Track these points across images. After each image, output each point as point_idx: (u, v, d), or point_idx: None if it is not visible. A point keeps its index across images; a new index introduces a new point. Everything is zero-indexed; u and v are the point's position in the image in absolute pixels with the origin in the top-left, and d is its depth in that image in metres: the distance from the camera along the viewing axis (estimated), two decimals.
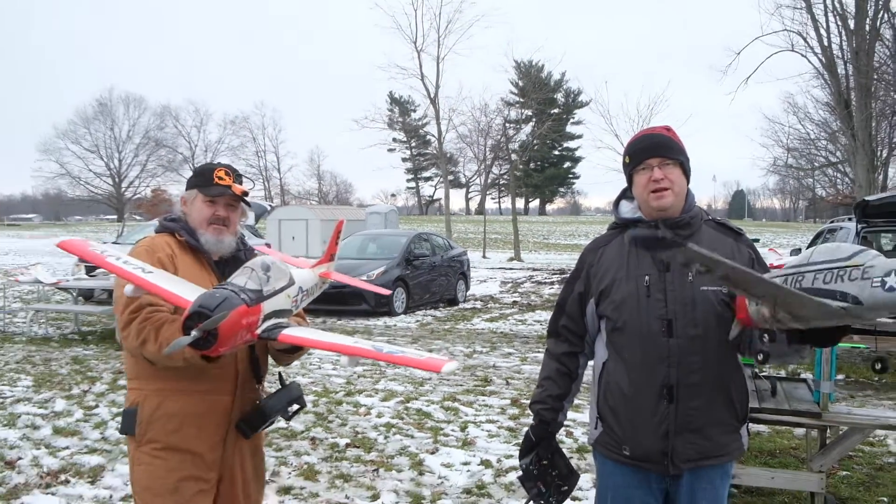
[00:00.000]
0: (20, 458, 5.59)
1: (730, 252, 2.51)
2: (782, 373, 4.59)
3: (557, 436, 2.72)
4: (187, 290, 2.36)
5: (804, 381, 4.98)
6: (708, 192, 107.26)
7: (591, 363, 2.72)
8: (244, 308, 2.20)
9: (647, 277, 2.47)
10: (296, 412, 2.82)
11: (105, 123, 71.61)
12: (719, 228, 2.61)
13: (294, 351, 2.65)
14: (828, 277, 2.03)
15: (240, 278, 2.29)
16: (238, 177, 2.73)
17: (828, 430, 4.75)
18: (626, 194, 2.67)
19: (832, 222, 14.06)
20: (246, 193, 2.72)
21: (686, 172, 2.52)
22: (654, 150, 2.49)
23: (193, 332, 2.09)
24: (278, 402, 2.71)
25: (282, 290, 2.42)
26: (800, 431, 5.96)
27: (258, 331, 2.31)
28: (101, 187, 73.00)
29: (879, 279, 1.91)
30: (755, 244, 2.70)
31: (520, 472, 2.71)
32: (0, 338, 11.24)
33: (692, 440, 2.44)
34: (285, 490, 5.06)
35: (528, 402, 2.82)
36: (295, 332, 2.37)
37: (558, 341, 2.70)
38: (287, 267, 2.54)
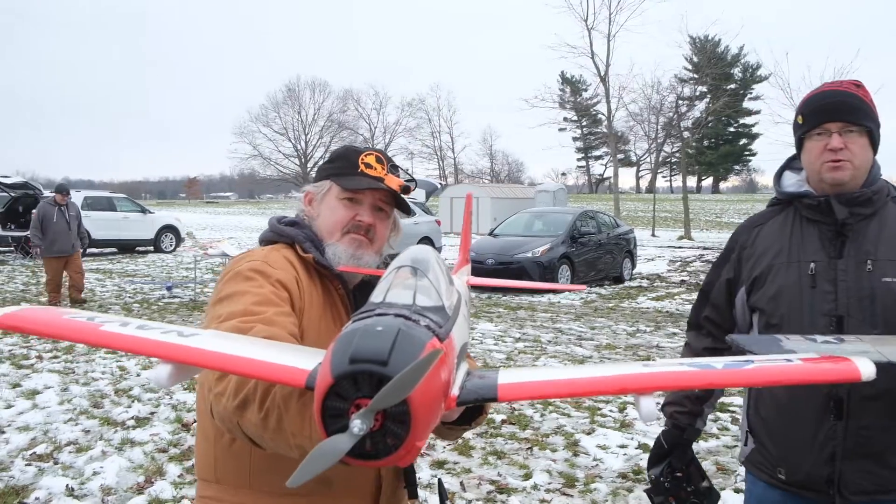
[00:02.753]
0: (195, 422, 5.97)
1: None
2: None
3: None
4: (288, 354, 1.23)
5: None
6: None
7: None
8: (436, 346, 1.03)
9: (812, 265, 2.07)
10: None
11: (293, 108, 76.54)
12: None
13: (474, 417, 1.53)
14: None
15: (400, 291, 1.15)
16: (394, 167, 1.83)
17: None
18: (791, 164, 2.28)
19: None
20: (406, 190, 1.82)
21: (874, 142, 2.08)
22: (835, 112, 2.03)
23: (355, 423, 0.93)
24: None
25: (458, 303, 1.29)
26: None
27: (455, 390, 1.14)
28: (289, 167, 78.06)
29: None
30: None
31: (648, 484, 2.36)
32: (191, 306, 12.25)
33: (867, 467, 2.01)
34: (439, 464, 5.12)
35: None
36: (518, 379, 1.21)
37: (700, 335, 2.36)
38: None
